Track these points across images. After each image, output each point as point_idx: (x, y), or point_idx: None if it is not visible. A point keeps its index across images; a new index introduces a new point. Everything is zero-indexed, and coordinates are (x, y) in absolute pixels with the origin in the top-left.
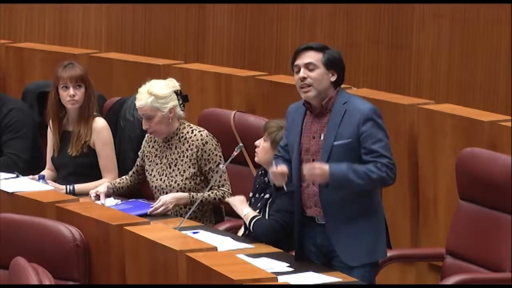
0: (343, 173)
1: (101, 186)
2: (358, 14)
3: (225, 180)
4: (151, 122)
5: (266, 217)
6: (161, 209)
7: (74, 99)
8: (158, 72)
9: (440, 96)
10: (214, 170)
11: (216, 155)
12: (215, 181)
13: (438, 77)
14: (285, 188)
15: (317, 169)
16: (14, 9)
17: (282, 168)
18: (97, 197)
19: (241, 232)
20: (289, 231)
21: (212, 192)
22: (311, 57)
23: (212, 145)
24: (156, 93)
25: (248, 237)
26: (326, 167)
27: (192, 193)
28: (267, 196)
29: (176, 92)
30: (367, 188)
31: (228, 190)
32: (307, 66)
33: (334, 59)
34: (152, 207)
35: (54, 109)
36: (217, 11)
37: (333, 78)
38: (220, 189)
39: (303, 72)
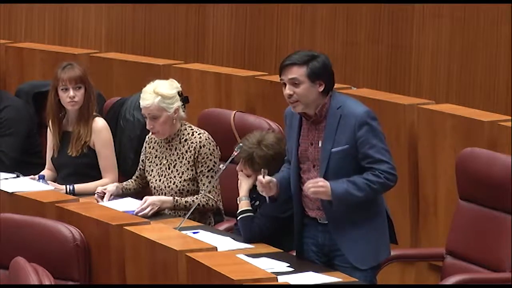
0: (344, 188)
1: (110, 185)
2: (358, 14)
3: (213, 187)
4: (156, 122)
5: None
6: (147, 209)
7: (74, 101)
8: (158, 72)
9: (440, 96)
10: (204, 175)
11: (211, 160)
12: (203, 185)
13: (438, 77)
14: (267, 199)
15: (320, 187)
16: (14, 9)
17: (267, 179)
18: (102, 195)
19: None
20: (267, 234)
21: (196, 198)
22: (294, 72)
23: (209, 149)
24: (163, 93)
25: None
26: (328, 184)
27: (176, 198)
28: (257, 203)
29: (178, 93)
30: (370, 198)
31: (213, 197)
32: (292, 81)
33: (319, 70)
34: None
35: (54, 110)
36: (217, 11)
37: (321, 88)
38: (206, 195)
39: (288, 89)
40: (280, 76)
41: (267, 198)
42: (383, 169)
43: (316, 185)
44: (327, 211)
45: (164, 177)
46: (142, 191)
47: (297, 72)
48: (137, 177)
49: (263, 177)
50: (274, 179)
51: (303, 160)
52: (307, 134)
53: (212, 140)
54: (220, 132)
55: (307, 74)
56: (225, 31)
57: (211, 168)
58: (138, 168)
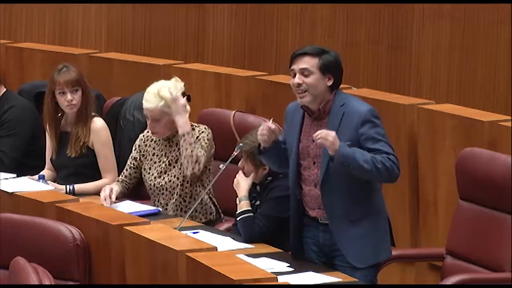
0: (351, 151)
1: (113, 186)
2: (358, 14)
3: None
4: (157, 124)
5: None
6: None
7: (72, 104)
8: (158, 72)
9: (440, 96)
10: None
11: (206, 143)
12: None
13: (438, 77)
14: (261, 146)
15: (330, 137)
16: (14, 9)
17: (274, 126)
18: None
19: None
20: (268, 235)
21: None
22: (306, 62)
23: (207, 135)
24: (167, 97)
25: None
26: (338, 140)
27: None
28: (257, 203)
29: (182, 94)
30: (370, 176)
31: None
32: (302, 71)
33: (330, 64)
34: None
35: (51, 113)
36: (217, 11)
37: (330, 83)
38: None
39: (298, 78)
40: (290, 66)
41: (261, 146)
42: (391, 158)
43: (327, 134)
44: (328, 210)
45: (165, 173)
46: (127, 193)
47: (309, 63)
48: (125, 176)
49: (271, 123)
50: (277, 134)
51: (303, 156)
52: (309, 131)
53: (211, 135)
54: (220, 132)
55: (318, 65)
56: (225, 31)
57: (204, 146)
58: (128, 167)
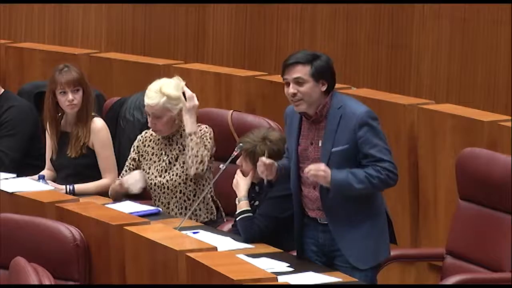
0: (344, 177)
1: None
2: (358, 14)
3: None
4: (158, 121)
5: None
6: None
7: (73, 104)
8: (158, 72)
9: (440, 96)
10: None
11: (207, 139)
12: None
13: (438, 77)
14: (265, 181)
15: (321, 171)
16: (14, 9)
17: (270, 160)
18: None
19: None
20: (267, 234)
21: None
22: (299, 71)
23: (209, 133)
24: (169, 93)
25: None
26: (329, 170)
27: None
28: (256, 203)
29: (183, 93)
30: (369, 192)
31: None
32: (296, 80)
33: (322, 70)
34: None
35: (51, 113)
36: (217, 11)
37: (324, 88)
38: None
39: (292, 88)
40: (283, 75)
41: (265, 181)
42: (384, 166)
43: (317, 169)
44: (327, 211)
45: (166, 171)
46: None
47: (302, 71)
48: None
49: (266, 158)
50: (276, 163)
51: (302, 159)
52: (307, 134)
53: (213, 134)
54: (217, 132)
55: (311, 73)
56: (225, 31)
57: (207, 146)
58: (127, 168)
